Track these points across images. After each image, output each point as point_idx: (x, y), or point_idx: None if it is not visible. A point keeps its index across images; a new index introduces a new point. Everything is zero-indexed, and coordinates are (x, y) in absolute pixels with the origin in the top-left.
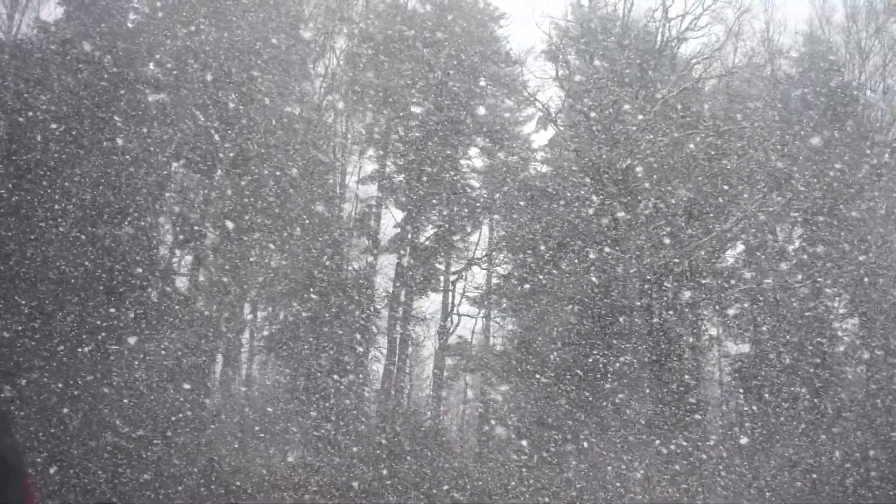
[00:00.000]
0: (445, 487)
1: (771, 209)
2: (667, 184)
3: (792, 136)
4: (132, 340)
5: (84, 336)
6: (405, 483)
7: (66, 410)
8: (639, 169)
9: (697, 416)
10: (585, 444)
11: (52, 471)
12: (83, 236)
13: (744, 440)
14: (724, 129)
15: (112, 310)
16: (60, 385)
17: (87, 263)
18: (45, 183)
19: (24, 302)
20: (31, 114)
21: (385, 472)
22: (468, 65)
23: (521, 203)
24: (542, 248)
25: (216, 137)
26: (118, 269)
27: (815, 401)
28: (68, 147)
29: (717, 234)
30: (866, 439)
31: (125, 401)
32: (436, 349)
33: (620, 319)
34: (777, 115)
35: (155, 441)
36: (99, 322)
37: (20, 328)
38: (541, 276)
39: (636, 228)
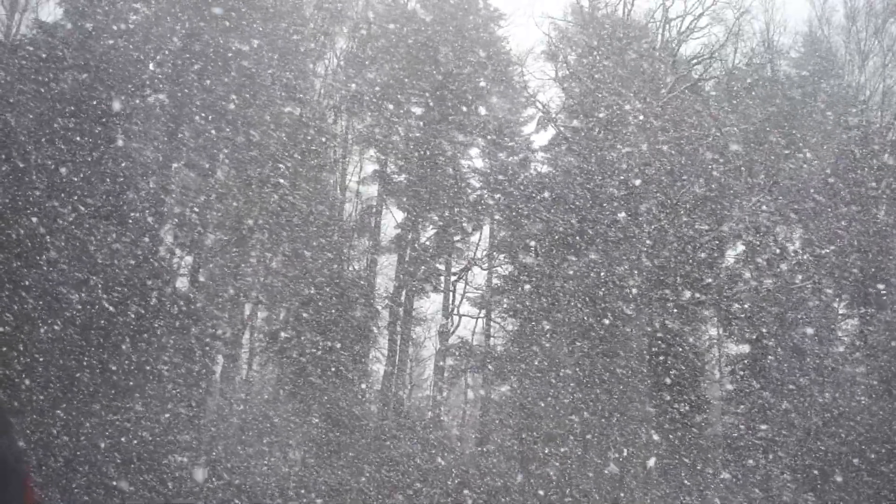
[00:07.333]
0: (446, 488)
1: (771, 210)
2: (667, 184)
3: (790, 136)
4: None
5: (84, 338)
6: (405, 484)
7: (63, 411)
8: (639, 169)
9: (698, 417)
10: (586, 445)
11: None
12: (82, 238)
13: (742, 440)
14: (723, 128)
15: (112, 309)
16: (57, 387)
17: (86, 265)
18: (44, 185)
19: (21, 304)
20: (30, 115)
21: (385, 472)
22: (468, 65)
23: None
24: (543, 248)
25: (216, 138)
26: (118, 271)
27: (815, 401)
28: (67, 148)
29: (717, 234)
30: (866, 439)
31: (127, 403)
32: (436, 349)
33: (621, 320)
34: (776, 115)
35: (160, 442)
36: (100, 323)
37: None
38: (541, 277)
39: (637, 229)
